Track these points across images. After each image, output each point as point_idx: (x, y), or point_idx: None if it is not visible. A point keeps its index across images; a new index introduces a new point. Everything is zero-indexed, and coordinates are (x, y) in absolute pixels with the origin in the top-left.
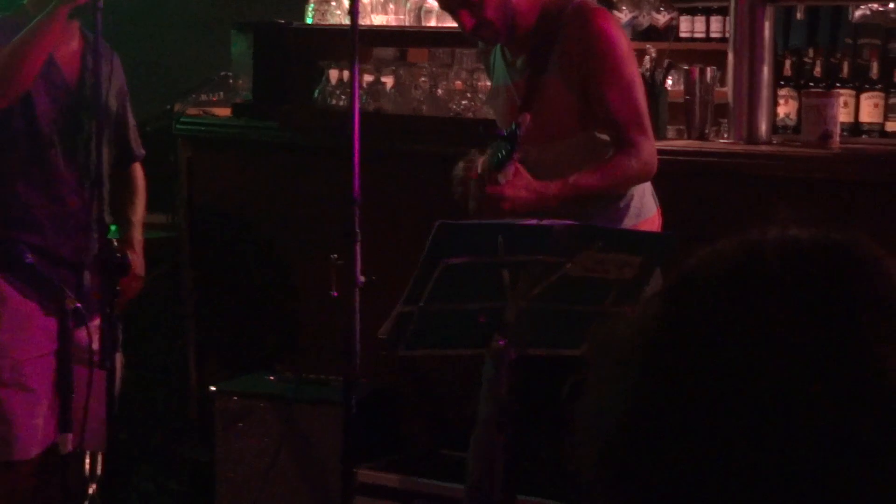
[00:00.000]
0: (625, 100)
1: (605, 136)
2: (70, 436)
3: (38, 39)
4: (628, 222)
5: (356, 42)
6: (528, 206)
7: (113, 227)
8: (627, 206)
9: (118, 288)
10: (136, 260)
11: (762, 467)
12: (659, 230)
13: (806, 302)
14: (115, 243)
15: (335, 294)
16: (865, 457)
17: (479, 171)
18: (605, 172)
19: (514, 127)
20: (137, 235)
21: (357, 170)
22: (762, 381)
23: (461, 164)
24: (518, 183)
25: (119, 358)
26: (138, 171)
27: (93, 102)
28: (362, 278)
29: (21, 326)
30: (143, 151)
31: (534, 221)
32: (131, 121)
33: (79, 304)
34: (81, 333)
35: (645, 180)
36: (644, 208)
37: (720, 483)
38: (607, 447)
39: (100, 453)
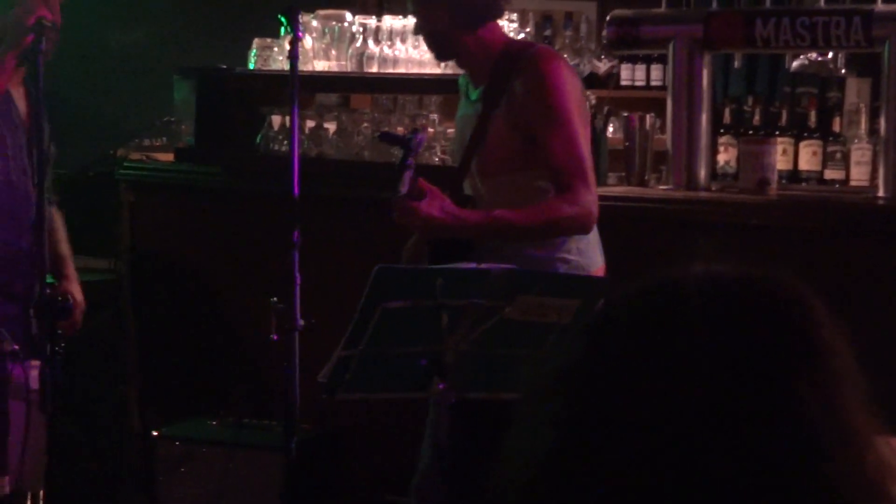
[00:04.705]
0: (567, 147)
1: (545, 184)
2: (7, 478)
3: None
4: None
5: (296, 87)
6: (442, 229)
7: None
8: (565, 261)
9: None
10: (77, 291)
11: (682, 495)
12: None
13: (725, 336)
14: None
15: (275, 338)
16: (776, 484)
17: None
18: (533, 212)
19: (409, 135)
20: (72, 271)
21: (296, 214)
22: (680, 411)
23: None
24: (433, 203)
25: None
26: (55, 214)
27: (37, 144)
28: (302, 322)
29: None
30: (55, 198)
31: (472, 265)
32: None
33: (16, 347)
34: (18, 372)
35: (581, 231)
36: (585, 262)
37: None
38: (531, 482)
39: (41, 494)
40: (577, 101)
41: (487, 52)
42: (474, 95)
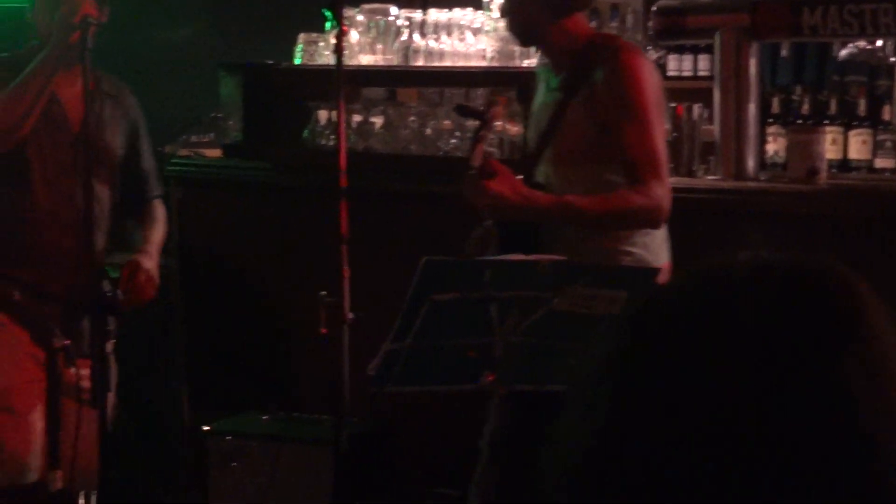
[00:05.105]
0: (641, 140)
1: (617, 178)
2: (59, 473)
3: (30, 87)
4: None
5: (341, 81)
6: (511, 208)
7: (107, 269)
8: (629, 254)
9: (134, 285)
10: (147, 262)
11: (730, 480)
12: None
13: (773, 322)
14: (107, 283)
15: (324, 331)
16: (823, 468)
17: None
18: (604, 201)
19: (484, 107)
20: (153, 248)
21: (344, 208)
22: (728, 396)
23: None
24: (504, 182)
25: (111, 398)
26: (157, 207)
27: (85, 141)
28: (351, 315)
29: (11, 352)
30: (158, 192)
31: (520, 257)
32: (146, 162)
33: (67, 342)
34: (70, 372)
35: (651, 224)
36: (650, 258)
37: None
38: (579, 465)
39: (93, 495)
40: (656, 97)
41: (571, 42)
42: (554, 83)
